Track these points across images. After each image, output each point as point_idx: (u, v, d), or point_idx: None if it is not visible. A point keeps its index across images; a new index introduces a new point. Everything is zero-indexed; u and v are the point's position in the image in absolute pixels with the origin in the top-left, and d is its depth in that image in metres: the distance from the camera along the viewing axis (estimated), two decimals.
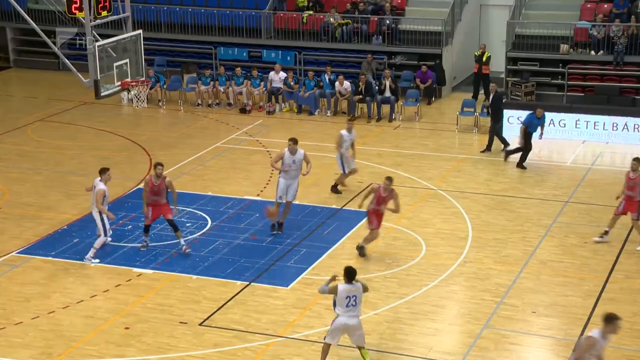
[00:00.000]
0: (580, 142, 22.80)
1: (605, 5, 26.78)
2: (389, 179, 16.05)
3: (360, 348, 12.58)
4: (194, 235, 17.26)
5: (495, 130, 22.23)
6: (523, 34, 27.25)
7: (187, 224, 17.66)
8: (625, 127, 22.70)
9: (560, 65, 26.32)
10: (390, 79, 25.77)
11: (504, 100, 23.08)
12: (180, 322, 14.00)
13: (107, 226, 16.09)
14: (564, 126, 23.18)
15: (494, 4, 29.58)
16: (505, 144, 22.11)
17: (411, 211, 18.52)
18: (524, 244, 16.83)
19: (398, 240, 17.15)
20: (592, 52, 26.01)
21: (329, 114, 26.04)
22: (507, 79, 26.64)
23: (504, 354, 13.05)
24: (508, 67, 27.04)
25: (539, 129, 21.15)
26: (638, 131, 22.54)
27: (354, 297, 12.22)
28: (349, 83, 25.88)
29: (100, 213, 15.99)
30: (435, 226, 17.74)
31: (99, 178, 16.13)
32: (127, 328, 13.82)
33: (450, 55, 28.06)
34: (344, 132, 19.45)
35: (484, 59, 26.56)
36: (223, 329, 13.80)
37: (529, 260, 16.10)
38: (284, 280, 15.42)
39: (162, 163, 16.40)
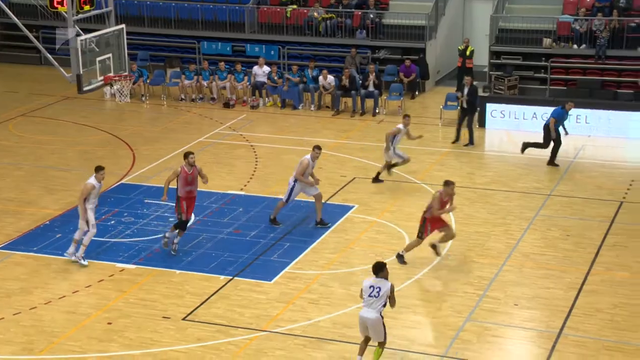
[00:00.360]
0: (563, 135, 22.86)
1: (588, 0, 26.91)
2: (451, 183, 15.59)
3: (378, 344, 12.36)
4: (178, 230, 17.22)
5: (469, 122, 22.38)
6: (506, 28, 27.34)
7: (170, 219, 17.63)
8: (607, 120, 22.83)
9: (543, 59, 26.42)
10: (374, 73, 25.79)
11: (486, 94, 23.16)
12: (164, 317, 13.98)
13: (93, 221, 15.78)
14: (547, 120, 23.26)
15: None
16: (472, 139, 22.35)
17: (395, 205, 18.56)
18: (507, 237, 16.90)
19: (382, 234, 17.18)
20: (575, 46, 26.12)
21: (312, 109, 26.04)
22: (491, 72, 26.71)
23: (486, 347, 13.12)
24: (491, 61, 27.12)
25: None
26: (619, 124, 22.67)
27: (378, 289, 12.02)
28: (332, 77, 25.89)
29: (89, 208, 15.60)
30: (418, 220, 17.74)
31: (93, 176, 15.74)
32: (109, 323, 13.80)
33: (434, 50, 28.11)
34: (400, 126, 19.63)
35: (468, 53, 26.65)
36: (206, 323, 13.80)
37: (511, 253, 16.17)
38: (267, 275, 15.43)
39: (193, 152, 16.32)
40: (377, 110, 25.62)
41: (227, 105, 26.38)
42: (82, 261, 15.73)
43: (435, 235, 15.82)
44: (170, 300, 14.55)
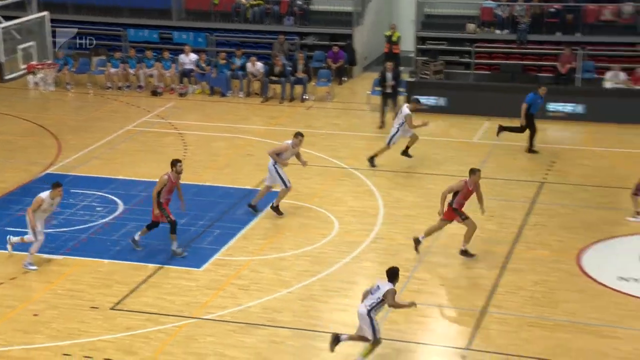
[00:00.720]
0: (486, 119, 23.28)
1: None
2: (477, 170, 15.34)
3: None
4: (105, 220, 17.06)
5: (395, 107, 22.70)
6: (432, 13, 27.69)
7: (98, 208, 17.44)
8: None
9: (468, 44, 26.81)
10: (302, 60, 25.85)
11: (413, 79, 23.43)
12: (91, 307, 13.83)
13: (39, 228, 15.02)
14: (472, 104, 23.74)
15: None
16: (384, 119, 22.54)
17: (324, 190, 18.67)
18: (433, 219, 17.06)
19: (311, 219, 17.27)
20: (498, 31, 26.58)
21: (241, 95, 25.98)
22: (417, 58, 27.00)
23: (413, 327, 13.31)
24: (418, 46, 27.39)
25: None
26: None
27: (377, 287, 12.05)
28: (261, 64, 25.87)
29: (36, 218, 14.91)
30: (348, 204, 17.93)
31: (49, 191, 15.00)
32: (35, 315, 13.59)
33: (361, 36, 28.28)
34: (405, 108, 19.78)
35: (394, 38, 26.92)
36: (135, 312, 13.70)
37: (437, 235, 16.38)
38: (197, 262, 15.39)
39: (180, 159, 15.88)
40: (305, 97, 25.69)
41: (154, 93, 26.14)
42: (29, 267, 15.11)
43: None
44: (98, 290, 14.40)
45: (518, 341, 12.71)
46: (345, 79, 27.54)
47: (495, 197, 18.14)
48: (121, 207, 17.69)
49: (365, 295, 12.15)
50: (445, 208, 15.34)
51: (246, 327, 13.22)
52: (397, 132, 19.70)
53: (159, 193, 15.44)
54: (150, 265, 15.24)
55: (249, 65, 25.86)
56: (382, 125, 22.77)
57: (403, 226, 16.85)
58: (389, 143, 19.81)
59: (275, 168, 17.12)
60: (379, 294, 11.93)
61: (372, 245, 16.08)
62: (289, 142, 17.24)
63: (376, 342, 12.04)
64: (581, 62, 24.82)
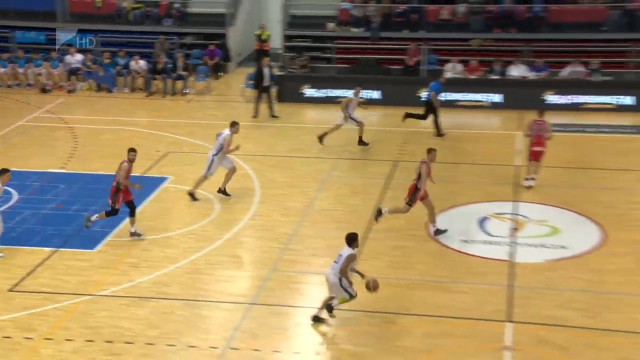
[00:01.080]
0: None
1: None
2: (434, 150, 15.23)
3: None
4: (1, 209, 16.34)
5: (270, 98, 22.71)
6: (296, 14, 27.74)
7: None
8: (382, 93, 23.81)
9: (329, 41, 27.06)
10: (182, 58, 25.50)
11: (282, 73, 23.50)
12: None
13: None
14: (335, 95, 24.01)
15: None
16: (258, 109, 22.48)
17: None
18: (304, 197, 17.28)
19: (195, 201, 17.06)
20: (354, 29, 26.93)
21: (126, 91, 25.39)
22: (285, 54, 27.03)
23: (288, 293, 13.44)
24: (285, 44, 27.43)
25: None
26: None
27: (340, 256, 12.04)
28: (143, 62, 25.35)
29: None
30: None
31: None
32: None
33: (234, 35, 28.08)
34: (352, 96, 20.09)
35: (264, 37, 26.89)
36: (33, 292, 13.24)
37: (308, 211, 16.57)
38: (90, 244, 14.98)
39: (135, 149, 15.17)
40: (186, 91, 25.34)
41: (44, 90, 25.17)
42: None
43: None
44: None
45: (379, 299, 12.97)
46: (222, 74, 27.31)
47: (359, 175, 18.45)
48: (15, 196, 16.99)
49: (334, 263, 12.18)
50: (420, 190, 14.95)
51: (138, 300, 13.01)
52: (350, 117, 19.98)
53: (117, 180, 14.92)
54: (47, 249, 14.73)
55: (132, 63, 25.28)
56: (255, 114, 22.71)
57: (277, 204, 16.92)
58: (340, 123, 20.11)
59: (213, 158, 16.79)
60: (342, 260, 11.99)
61: (250, 222, 16.08)
62: (227, 131, 16.92)
63: (352, 298, 12.15)
64: (426, 56, 25.46)
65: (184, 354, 11.61)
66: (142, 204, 16.73)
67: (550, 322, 12.24)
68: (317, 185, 17.88)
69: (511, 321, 12.28)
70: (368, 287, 12.05)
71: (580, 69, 23.92)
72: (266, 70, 22.77)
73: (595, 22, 25.15)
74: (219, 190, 17.02)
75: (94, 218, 15.18)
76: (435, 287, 13.46)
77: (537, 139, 17.10)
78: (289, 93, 23.87)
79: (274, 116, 22.73)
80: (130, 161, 15.04)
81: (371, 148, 20.33)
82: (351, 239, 12.16)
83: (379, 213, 15.35)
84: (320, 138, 20.19)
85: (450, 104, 23.17)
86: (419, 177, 15.00)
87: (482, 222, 15.81)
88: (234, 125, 17.05)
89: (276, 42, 27.76)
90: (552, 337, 11.84)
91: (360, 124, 20.22)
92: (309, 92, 24.37)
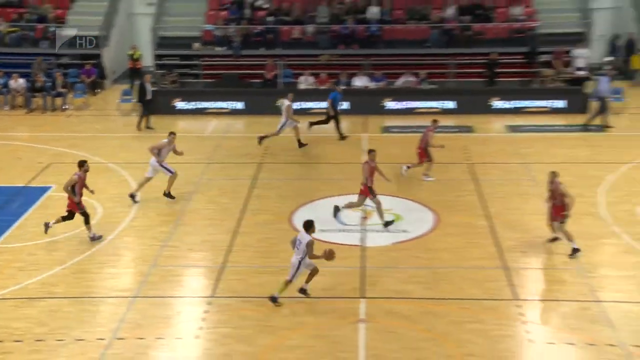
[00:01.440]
0: (214, 117, 23.42)
1: (223, 13, 27.55)
2: (373, 151, 15.30)
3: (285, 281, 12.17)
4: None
5: (150, 111, 22.10)
6: (165, 35, 27.15)
7: None
8: (245, 104, 23.76)
9: (195, 59, 26.68)
10: (60, 76, 24.38)
11: (155, 88, 23.02)
12: None
13: None
14: (203, 107, 23.73)
15: (140, 12, 29.03)
16: (142, 122, 21.89)
17: (88, 182, 17.70)
18: (180, 199, 16.88)
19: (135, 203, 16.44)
20: (218, 48, 26.70)
21: (6, 109, 24.01)
22: (156, 71, 26.40)
23: (168, 285, 13.13)
24: (156, 62, 26.80)
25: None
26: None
27: (299, 242, 11.94)
28: (22, 80, 24.03)
29: None
30: (109, 192, 17.20)
31: None
32: None
33: (109, 54, 27.12)
34: (287, 101, 19.87)
35: (136, 56, 26.15)
36: None
37: (183, 211, 16.25)
38: None
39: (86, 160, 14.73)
40: (65, 107, 24.23)
41: None
42: None
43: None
44: None
45: (251, 286, 12.99)
46: (99, 90, 26.30)
47: (227, 177, 18.29)
48: None
49: (292, 245, 12.09)
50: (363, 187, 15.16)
51: (27, 301, 12.34)
52: (285, 122, 19.89)
53: (73, 188, 14.39)
54: None
55: (11, 82, 23.89)
56: (140, 127, 21.98)
57: (155, 207, 16.48)
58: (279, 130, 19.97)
59: (158, 162, 16.47)
60: (303, 247, 11.85)
61: (132, 224, 15.60)
62: (165, 140, 16.61)
63: (289, 282, 12.10)
64: (282, 70, 25.63)
65: (73, 347, 11.13)
66: (26, 213, 15.86)
67: (396, 295, 12.64)
68: (191, 188, 17.57)
69: (364, 297, 12.59)
70: (326, 257, 12.05)
71: (412, 79, 24.87)
72: (148, 86, 22.20)
73: (421, 39, 26.20)
74: (165, 194, 16.69)
75: (51, 224, 14.67)
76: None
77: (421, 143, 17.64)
78: (162, 106, 23.32)
79: (149, 127, 22.16)
80: (86, 171, 14.79)
81: (237, 152, 20.21)
82: (307, 226, 12.11)
83: (336, 209, 15.53)
84: (261, 139, 20.12)
85: (305, 112, 23.40)
86: (367, 178, 15.11)
87: (337, 213, 16.09)
88: (170, 134, 16.88)
89: (148, 60, 27.06)
90: (398, 308, 12.23)
91: (295, 127, 20.16)
92: (180, 104, 23.94)
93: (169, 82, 25.53)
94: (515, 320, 11.79)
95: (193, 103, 23.96)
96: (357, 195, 15.40)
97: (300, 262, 12.08)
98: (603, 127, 21.25)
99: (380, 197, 15.27)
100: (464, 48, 25.79)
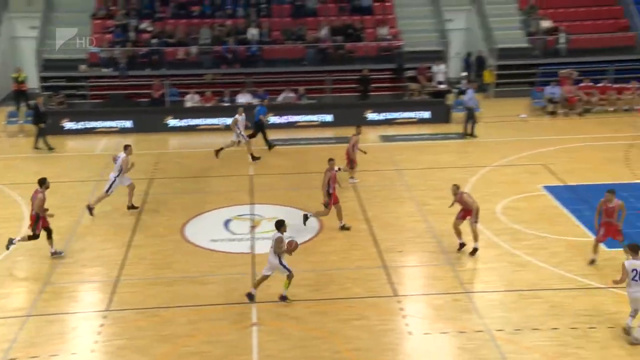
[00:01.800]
0: (104, 135, 22.59)
1: (108, 35, 26.63)
2: (332, 160, 15.33)
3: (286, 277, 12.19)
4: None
5: (43, 132, 21.12)
6: (51, 58, 25.86)
7: None
8: (134, 122, 23.08)
9: (82, 80, 25.62)
10: None
11: (43, 110, 21.89)
12: None
13: None
14: (92, 126, 22.83)
15: (23, 35, 27.54)
16: (44, 143, 20.94)
17: None
18: (71, 216, 16.01)
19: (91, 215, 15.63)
20: (104, 69, 25.79)
21: None
22: (44, 93, 25.08)
23: (63, 302, 12.53)
24: (42, 84, 25.48)
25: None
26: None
27: (272, 240, 11.98)
28: None
29: None
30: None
31: None
32: None
33: None
34: (238, 116, 19.61)
35: (20, 79, 24.82)
36: None
37: (76, 228, 15.50)
38: None
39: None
40: None
41: None
42: None
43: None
44: None
45: (145, 297, 12.61)
46: None
47: (118, 193, 17.57)
48: None
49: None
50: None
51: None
52: (239, 133, 19.58)
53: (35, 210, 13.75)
54: None
55: None
56: (36, 146, 21.01)
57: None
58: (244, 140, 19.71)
59: (115, 179, 15.96)
60: (274, 243, 11.80)
61: (23, 243, 14.56)
62: (123, 154, 15.99)
63: (290, 275, 12.09)
64: (168, 89, 25.11)
65: None
66: None
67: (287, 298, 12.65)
68: (83, 205, 16.80)
69: (255, 302, 12.51)
70: (288, 250, 12.04)
71: (292, 95, 25.09)
72: (41, 107, 21.11)
73: (298, 58, 26.51)
74: (128, 207, 16.05)
75: (16, 241, 13.86)
76: (191, 282, 13.30)
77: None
78: (50, 127, 22.16)
79: (37, 148, 21.06)
80: (47, 188, 14.00)
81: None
82: (279, 225, 12.13)
83: (305, 217, 15.37)
84: (217, 152, 19.78)
85: (192, 129, 23.10)
86: (328, 183, 15.12)
87: (226, 223, 15.90)
88: (127, 148, 16.14)
89: (33, 82, 25.67)
90: (288, 311, 12.24)
91: (248, 141, 19.88)
92: (69, 125, 22.91)
93: (56, 103, 24.36)
94: (396, 315, 12.10)
95: (82, 123, 23.01)
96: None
97: (280, 259, 12.06)
98: (465, 135, 22.33)
99: (276, 207, 15.34)
100: (338, 65, 26.34)
